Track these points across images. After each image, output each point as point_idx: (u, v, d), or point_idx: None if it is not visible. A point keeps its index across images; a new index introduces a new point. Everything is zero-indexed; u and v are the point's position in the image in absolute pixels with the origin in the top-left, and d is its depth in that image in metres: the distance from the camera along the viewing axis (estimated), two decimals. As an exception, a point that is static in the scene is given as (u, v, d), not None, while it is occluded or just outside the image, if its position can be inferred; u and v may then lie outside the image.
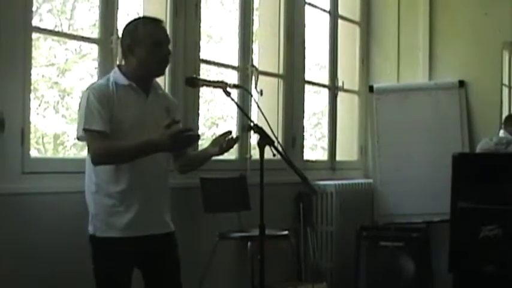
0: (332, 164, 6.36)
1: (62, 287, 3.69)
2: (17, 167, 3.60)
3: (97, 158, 3.30)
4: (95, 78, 4.20)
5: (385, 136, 6.39)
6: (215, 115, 7.90)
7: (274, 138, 3.35)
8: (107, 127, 3.29)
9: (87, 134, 3.32)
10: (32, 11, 3.79)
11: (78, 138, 3.39)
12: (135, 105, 3.37)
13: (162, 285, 3.48)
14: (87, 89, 3.38)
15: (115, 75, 3.40)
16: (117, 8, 4.19)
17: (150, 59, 3.37)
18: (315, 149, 8.15)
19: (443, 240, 5.60)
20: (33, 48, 3.80)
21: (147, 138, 3.29)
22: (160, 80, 3.58)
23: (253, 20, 5.41)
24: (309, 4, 6.07)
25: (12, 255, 3.49)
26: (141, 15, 4.53)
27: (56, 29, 6.29)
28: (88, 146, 3.34)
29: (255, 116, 5.13)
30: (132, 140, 3.31)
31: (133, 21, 3.48)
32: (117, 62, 4.11)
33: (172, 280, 3.51)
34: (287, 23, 5.75)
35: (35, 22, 3.94)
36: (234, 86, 3.62)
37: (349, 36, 6.72)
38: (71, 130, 6.54)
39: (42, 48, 6.24)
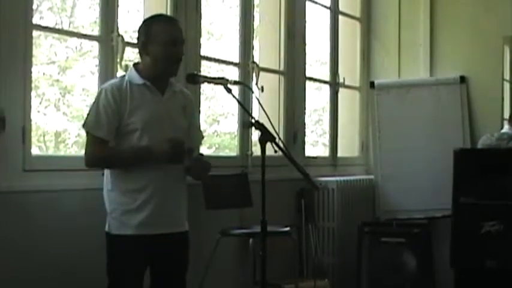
0: (333, 160, 6.36)
1: (63, 285, 3.69)
2: (19, 164, 3.60)
3: (90, 162, 3.38)
4: (96, 76, 4.21)
5: (387, 132, 6.39)
6: (216, 112, 7.90)
7: (275, 135, 3.35)
8: (109, 134, 3.34)
9: (87, 135, 3.36)
10: (32, 9, 3.78)
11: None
12: (149, 104, 3.38)
13: (166, 283, 3.50)
14: (102, 87, 3.42)
15: (130, 73, 3.43)
16: (118, 6, 4.18)
17: (162, 58, 3.38)
18: (316, 145, 8.15)
19: (445, 236, 5.61)
20: (33, 46, 3.79)
21: (146, 145, 3.32)
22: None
23: (253, 16, 5.40)
24: (310, 0, 6.06)
25: (14, 252, 3.49)
26: (141, 12, 4.54)
27: (57, 27, 6.28)
28: (86, 146, 3.39)
29: (256, 113, 5.14)
30: (131, 147, 3.35)
31: (148, 19, 3.51)
32: (118, 60, 4.12)
33: (177, 278, 3.53)
34: (288, 19, 5.75)
35: (36, 20, 3.92)
36: (235, 83, 3.63)
37: (350, 32, 6.72)
38: (72, 128, 6.54)
39: (42, 46, 6.24)
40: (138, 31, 3.47)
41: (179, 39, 3.44)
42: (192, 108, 3.63)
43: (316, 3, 6.21)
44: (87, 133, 3.38)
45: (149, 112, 3.37)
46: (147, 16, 3.68)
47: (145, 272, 3.47)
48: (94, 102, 3.39)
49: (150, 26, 3.43)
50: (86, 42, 6.01)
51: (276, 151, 3.37)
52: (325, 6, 6.35)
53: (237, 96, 3.60)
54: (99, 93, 3.39)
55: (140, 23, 3.51)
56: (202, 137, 3.82)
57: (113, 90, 3.35)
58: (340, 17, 6.51)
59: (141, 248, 3.37)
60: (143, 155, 3.34)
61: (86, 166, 3.40)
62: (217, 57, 5.40)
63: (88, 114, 3.39)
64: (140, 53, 3.46)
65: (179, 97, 3.53)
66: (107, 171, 3.44)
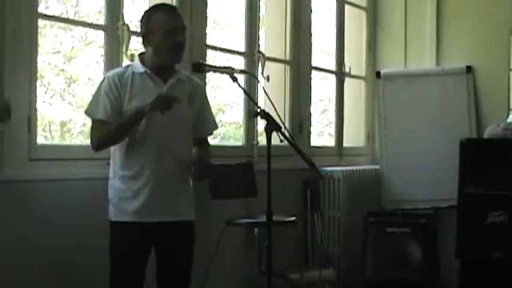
0: (339, 150, 6.35)
1: (68, 272, 3.70)
2: (24, 154, 3.61)
3: (96, 144, 3.42)
4: (101, 65, 4.21)
5: (392, 122, 6.38)
6: (222, 102, 7.89)
7: (281, 124, 3.35)
8: (110, 116, 3.37)
9: (92, 122, 3.44)
10: (38, -2, 3.78)
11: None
12: (148, 91, 3.40)
13: (170, 272, 3.50)
14: (105, 75, 3.49)
15: (134, 62, 3.50)
16: (123, -5, 4.18)
17: (163, 47, 3.40)
18: (321, 135, 8.13)
19: (451, 226, 5.61)
20: (39, 36, 3.79)
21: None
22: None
23: (259, 5, 5.39)
24: (316, -11, 6.05)
25: (19, 241, 3.50)
26: (146, 1, 4.53)
27: (62, 16, 6.26)
28: (90, 134, 3.46)
29: (261, 102, 5.12)
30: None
31: (148, 10, 3.53)
32: (123, 49, 4.12)
33: (181, 268, 3.53)
34: (294, 9, 5.73)
35: (41, 9, 3.92)
36: (241, 72, 3.63)
37: (356, 22, 6.70)
38: (77, 117, 6.54)
39: (48, 36, 6.23)
40: (140, 23, 3.49)
41: (179, 27, 3.45)
42: (201, 97, 3.63)
43: (322, -8, 6.19)
44: (91, 120, 3.44)
45: (148, 99, 3.38)
46: (151, 5, 3.69)
47: (149, 260, 3.48)
48: (97, 90, 3.46)
49: (150, 17, 3.46)
50: (91, 31, 6.00)
51: (281, 140, 3.37)
52: (331, -4, 6.34)
53: (242, 86, 3.59)
54: (102, 81, 3.46)
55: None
56: (216, 127, 3.79)
57: (114, 77, 3.42)
58: (346, 7, 6.49)
59: (138, 235, 3.39)
60: (134, 113, 3.35)
61: (94, 150, 3.45)
62: (223, 47, 5.39)
63: (90, 101, 3.46)
64: (143, 43, 3.50)
65: (185, 85, 3.53)
66: (111, 160, 3.47)
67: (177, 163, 3.45)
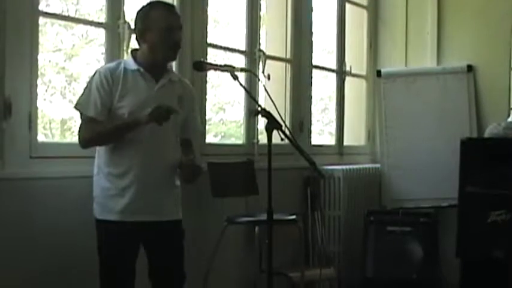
0: (340, 149, 6.35)
1: (67, 269, 3.70)
2: (25, 151, 3.61)
3: (83, 142, 3.39)
4: (102, 63, 4.20)
5: (393, 121, 6.38)
6: (222, 100, 7.89)
7: (281, 123, 3.35)
8: (100, 114, 3.34)
9: (81, 116, 3.41)
10: (38, -4, 3.77)
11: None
12: (140, 90, 3.38)
13: (160, 272, 3.49)
14: (97, 70, 3.45)
15: (127, 59, 3.46)
16: (124, -8, 4.17)
17: (161, 44, 3.38)
18: (322, 134, 8.13)
19: (451, 225, 5.60)
20: (40, 34, 3.79)
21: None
22: (168, 64, 3.57)
23: (260, 4, 5.39)
24: (317, -12, 6.04)
25: (20, 238, 3.50)
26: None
27: (63, 14, 6.26)
28: (79, 127, 3.42)
29: (262, 101, 5.12)
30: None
31: (145, 6, 3.50)
32: (124, 47, 4.11)
33: (173, 268, 3.51)
34: (295, 7, 5.73)
35: (42, 7, 3.92)
36: (242, 70, 3.63)
37: (357, 21, 6.69)
38: (78, 115, 6.54)
39: (48, 34, 6.23)
40: (135, 19, 3.47)
41: (177, 25, 3.44)
42: (191, 100, 3.60)
43: (323, -9, 6.19)
44: (80, 114, 3.40)
45: (138, 98, 3.37)
46: (148, 2, 3.67)
47: (139, 260, 3.47)
48: (88, 83, 3.41)
49: (147, 13, 3.43)
50: (92, 29, 5.99)
51: (282, 139, 3.37)
52: (332, -6, 6.33)
53: (243, 84, 3.59)
54: (93, 75, 3.41)
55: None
56: (202, 130, 3.77)
57: (106, 72, 3.38)
58: (347, 5, 6.49)
59: (124, 233, 3.36)
60: (129, 120, 3.33)
61: (81, 147, 3.41)
62: (223, 45, 5.38)
63: (81, 95, 3.42)
64: (137, 40, 3.47)
65: (176, 86, 3.51)
66: (96, 155, 3.45)
67: (164, 163, 3.43)
